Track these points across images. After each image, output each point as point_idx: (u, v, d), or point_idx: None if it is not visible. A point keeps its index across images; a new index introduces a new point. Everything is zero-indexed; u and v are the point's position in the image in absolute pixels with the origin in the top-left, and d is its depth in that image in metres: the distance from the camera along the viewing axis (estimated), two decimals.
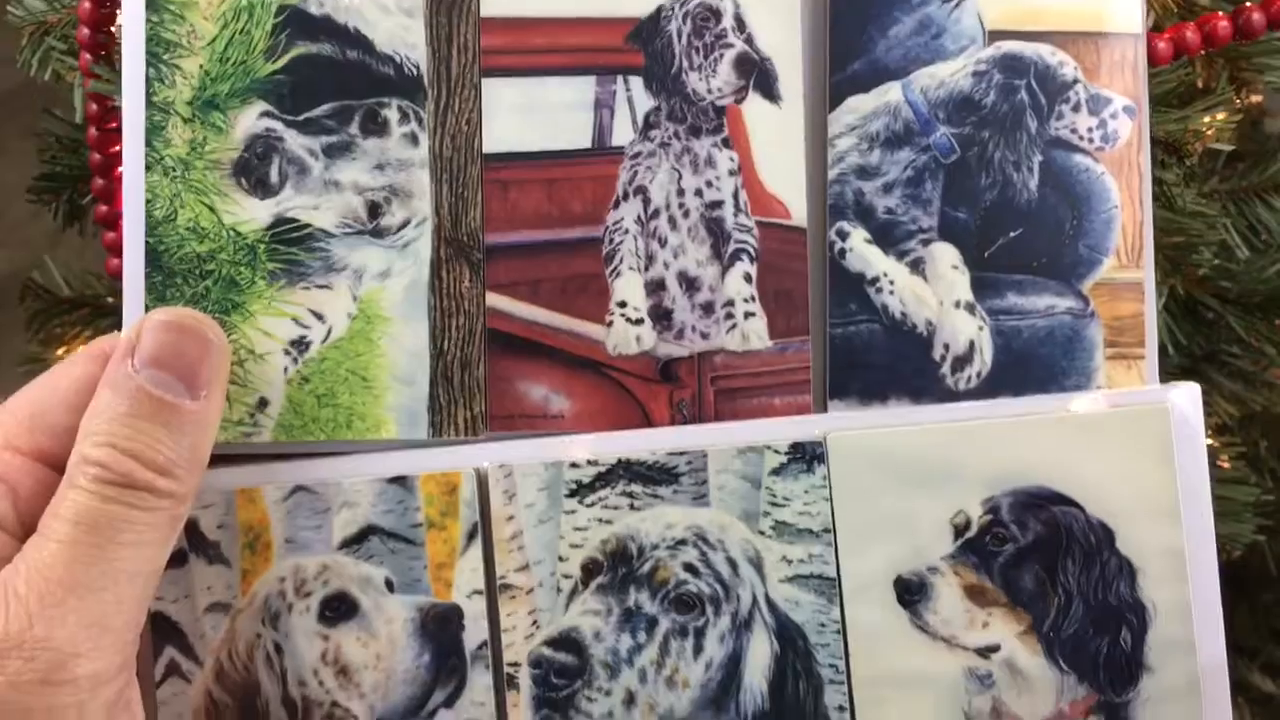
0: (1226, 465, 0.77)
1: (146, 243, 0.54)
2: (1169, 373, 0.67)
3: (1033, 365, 0.56)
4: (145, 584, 0.48)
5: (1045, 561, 0.53)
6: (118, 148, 0.68)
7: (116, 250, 0.68)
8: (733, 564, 0.53)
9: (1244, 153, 0.80)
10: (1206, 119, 0.72)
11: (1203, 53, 0.68)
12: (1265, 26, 0.64)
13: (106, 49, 0.66)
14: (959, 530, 0.53)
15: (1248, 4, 0.65)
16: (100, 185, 0.69)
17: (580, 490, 0.53)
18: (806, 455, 0.53)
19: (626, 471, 0.53)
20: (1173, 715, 0.53)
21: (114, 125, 0.68)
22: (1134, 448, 0.52)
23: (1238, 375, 0.80)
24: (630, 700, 0.53)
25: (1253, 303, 0.78)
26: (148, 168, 0.54)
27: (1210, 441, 0.78)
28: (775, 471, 0.53)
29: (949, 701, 0.53)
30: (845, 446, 0.53)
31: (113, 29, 0.66)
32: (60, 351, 0.87)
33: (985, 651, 0.53)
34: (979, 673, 0.53)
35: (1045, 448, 0.53)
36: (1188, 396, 0.53)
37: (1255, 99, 0.82)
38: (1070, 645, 0.53)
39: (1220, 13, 0.65)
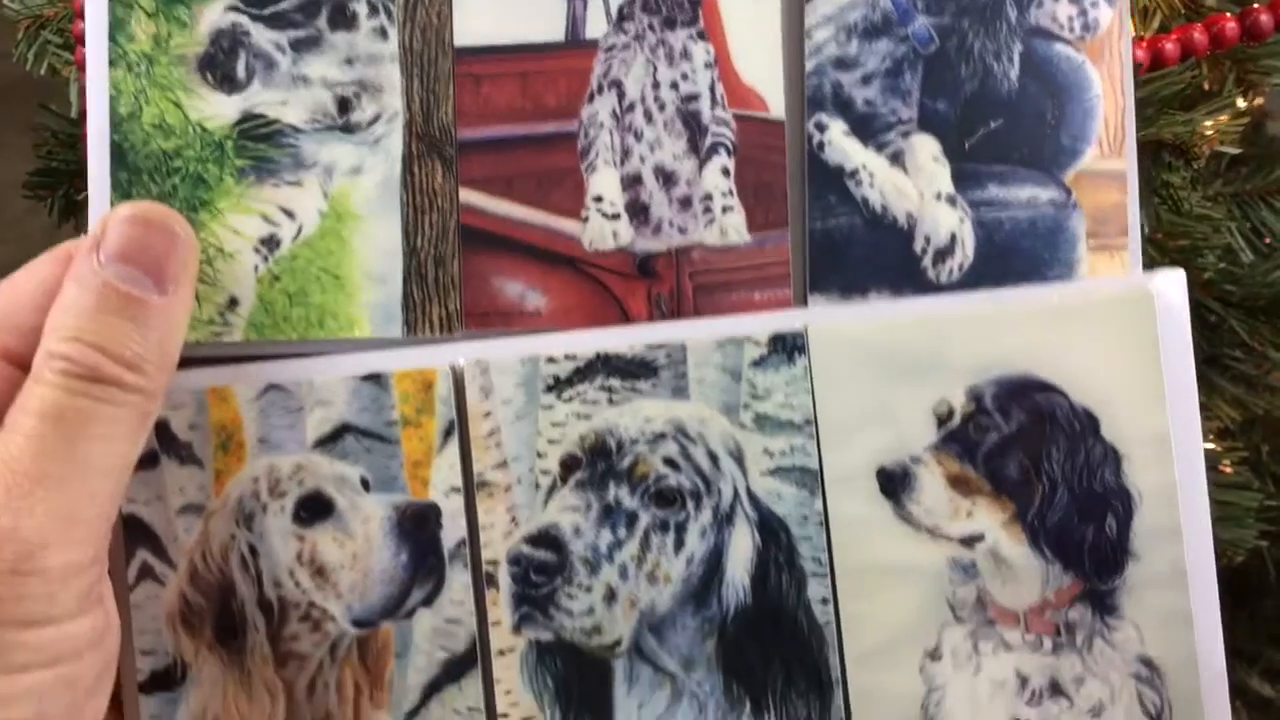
0: (1228, 470, 0.77)
1: (111, 140, 0.52)
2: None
3: (1015, 257, 0.55)
4: (115, 479, 0.47)
5: (1029, 449, 0.52)
6: None
7: None
8: (713, 457, 0.53)
9: (1249, 156, 0.79)
10: (1212, 121, 0.71)
11: (1210, 54, 0.67)
12: (1273, 29, 0.64)
13: None
14: (942, 420, 0.52)
15: (1255, 6, 0.64)
16: None
17: (558, 385, 0.52)
18: (787, 347, 0.52)
19: (604, 366, 0.52)
20: (1159, 602, 0.52)
21: None
22: (1118, 334, 0.52)
23: (1240, 379, 0.79)
24: (611, 596, 0.52)
25: (1256, 306, 0.77)
26: (111, 64, 0.52)
27: (1212, 446, 0.78)
28: (755, 364, 0.52)
29: (933, 592, 0.52)
30: (826, 337, 0.52)
31: None
32: None
33: (969, 541, 0.52)
34: (963, 563, 0.53)
35: (1028, 336, 0.52)
36: (1172, 283, 0.53)
37: (1260, 102, 0.82)
38: (1055, 533, 0.52)
39: (1227, 14, 0.64)
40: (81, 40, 0.62)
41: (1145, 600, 0.52)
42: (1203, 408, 0.77)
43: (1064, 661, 0.52)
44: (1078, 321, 0.52)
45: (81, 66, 0.63)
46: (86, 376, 0.46)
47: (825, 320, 0.53)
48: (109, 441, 0.47)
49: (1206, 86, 0.74)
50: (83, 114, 0.65)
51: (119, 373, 0.47)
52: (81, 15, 0.61)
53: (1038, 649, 0.52)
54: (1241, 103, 0.74)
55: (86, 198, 0.69)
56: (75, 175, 0.78)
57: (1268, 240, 0.77)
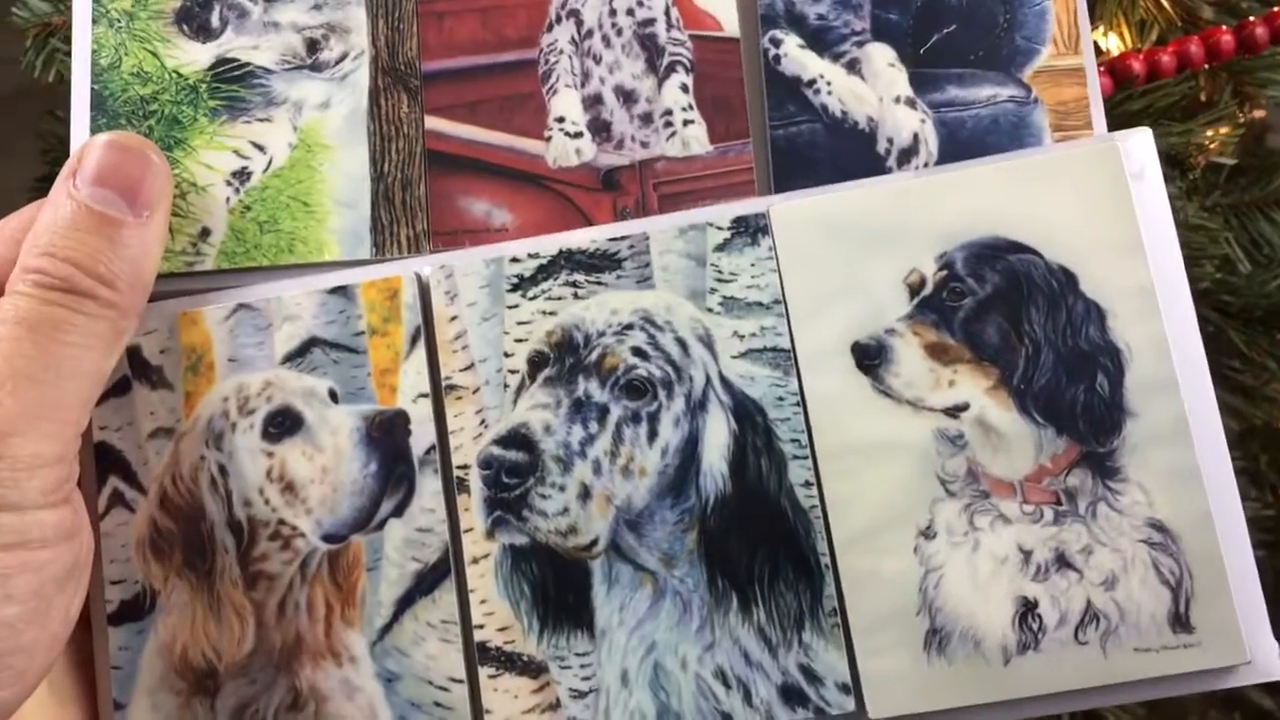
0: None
1: (92, 89, 0.55)
2: None
3: (979, 153, 0.54)
4: (87, 387, 0.47)
5: (1008, 312, 0.50)
6: None
7: None
8: (682, 344, 0.51)
9: (1246, 167, 0.80)
10: (1209, 133, 0.72)
11: (1206, 67, 0.68)
12: (1268, 41, 0.65)
13: None
14: (914, 289, 0.51)
15: (1251, 19, 0.65)
16: None
17: (522, 284, 0.52)
18: (750, 228, 0.52)
19: (568, 261, 0.52)
20: (1164, 460, 0.49)
21: None
22: (1088, 188, 0.50)
23: (1238, 389, 0.77)
24: (585, 494, 0.50)
25: (1254, 317, 0.76)
26: (94, 21, 0.55)
27: None
28: (719, 247, 0.52)
29: (920, 466, 0.49)
30: (789, 215, 0.51)
31: None
32: None
33: (954, 411, 0.50)
34: (949, 434, 0.50)
35: (996, 198, 0.51)
36: (1140, 139, 0.51)
37: (1259, 114, 0.83)
38: (1044, 396, 0.49)
39: (1224, 27, 0.66)
40: None
41: (1149, 459, 0.49)
42: None
43: (1068, 532, 0.49)
44: (1046, 181, 0.50)
45: None
46: (60, 287, 0.47)
47: (788, 201, 0.52)
48: (81, 350, 0.47)
49: (1203, 98, 0.74)
50: None
51: (91, 285, 0.47)
52: None
53: (1038, 520, 0.49)
54: (1241, 115, 0.74)
55: None
56: None
57: (1266, 251, 0.76)
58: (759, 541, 0.50)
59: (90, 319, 0.47)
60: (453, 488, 0.51)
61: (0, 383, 0.45)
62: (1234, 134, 0.73)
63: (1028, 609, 0.48)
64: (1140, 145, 0.51)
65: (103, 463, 0.52)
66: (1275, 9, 0.65)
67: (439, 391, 0.51)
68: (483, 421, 0.51)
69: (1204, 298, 0.75)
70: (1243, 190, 0.77)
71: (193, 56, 0.55)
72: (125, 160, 0.50)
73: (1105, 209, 0.50)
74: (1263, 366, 0.76)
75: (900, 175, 0.53)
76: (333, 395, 0.52)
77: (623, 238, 0.52)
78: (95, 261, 0.48)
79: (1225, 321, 0.76)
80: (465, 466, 0.51)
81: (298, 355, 0.52)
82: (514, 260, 0.52)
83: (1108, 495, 0.49)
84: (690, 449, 0.50)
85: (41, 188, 0.82)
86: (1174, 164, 0.72)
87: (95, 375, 0.48)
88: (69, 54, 0.70)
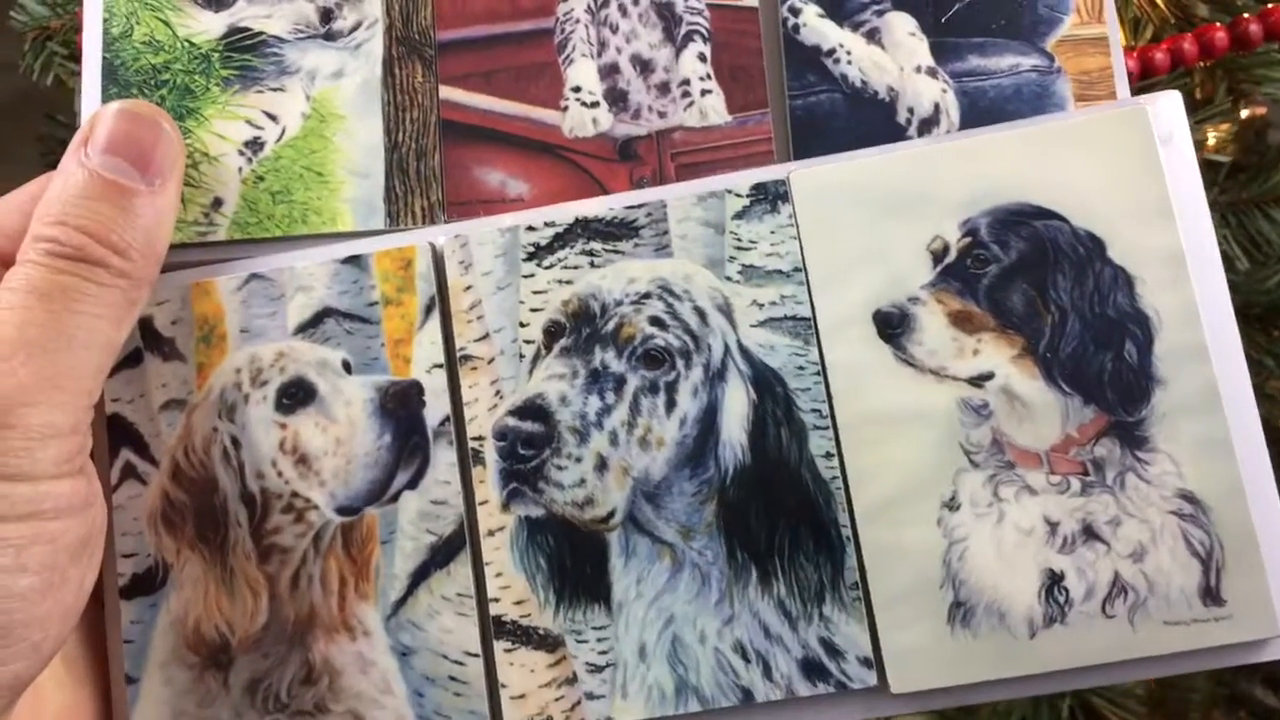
0: None
1: (103, 58, 0.54)
2: None
3: (1002, 122, 0.54)
4: (99, 356, 0.47)
5: (1033, 279, 0.49)
6: None
7: None
8: (701, 313, 0.50)
9: (1245, 164, 0.79)
10: (1206, 129, 0.72)
11: (1201, 64, 0.68)
12: (1263, 38, 0.64)
13: None
14: (937, 256, 0.50)
15: (1245, 16, 0.65)
16: None
17: (538, 253, 0.51)
18: (770, 195, 0.51)
19: (584, 230, 0.51)
20: (1194, 430, 0.48)
21: None
22: (1115, 152, 0.49)
23: None
24: (602, 465, 0.49)
25: (1253, 314, 0.76)
26: None
27: None
28: (739, 215, 0.51)
29: (944, 436, 0.49)
30: (810, 182, 0.51)
31: None
32: None
33: (978, 380, 0.49)
34: (974, 403, 0.49)
35: (1021, 163, 0.50)
36: (1170, 102, 0.50)
37: (1259, 111, 0.82)
38: (1071, 365, 0.49)
39: (1218, 24, 0.65)
40: None
41: (1179, 429, 0.48)
42: None
43: (1096, 503, 0.48)
44: (1073, 146, 0.50)
45: None
46: (72, 256, 0.46)
47: (809, 168, 0.51)
48: (93, 319, 0.46)
49: (1198, 96, 0.74)
50: None
51: (104, 254, 0.47)
52: None
53: (1065, 491, 0.48)
54: (1245, 112, 0.74)
55: None
56: None
57: (1264, 248, 0.75)
58: (779, 513, 0.49)
59: (103, 288, 0.47)
60: (468, 459, 0.50)
61: (12, 352, 0.44)
62: (1230, 131, 0.72)
63: (1054, 581, 0.48)
64: (1169, 108, 0.51)
65: (115, 435, 0.51)
66: (1269, 5, 0.64)
67: (453, 362, 0.51)
68: (498, 392, 0.51)
69: None
70: (1241, 188, 0.76)
71: (205, 25, 0.55)
72: (137, 128, 0.49)
73: (1133, 173, 0.49)
74: (1261, 364, 0.75)
75: (922, 141, 0.53)
76: (346, 366, 0.51)
77: (640, 205, 0.51)
78: (108, 230, 0.47)
79: None
80: (480, 438, 0.50)
81: (311, 325, 0.51)
82: (529, 229, 0.51)
83: (1136, 465, 0.48)
84: (709, 419, 0.50)
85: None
86: None
87: (108, 345, 0.47)
88: (67, 58, 0.70)
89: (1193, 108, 0.73)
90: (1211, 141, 0.74)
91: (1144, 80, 0.65)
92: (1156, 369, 0.48)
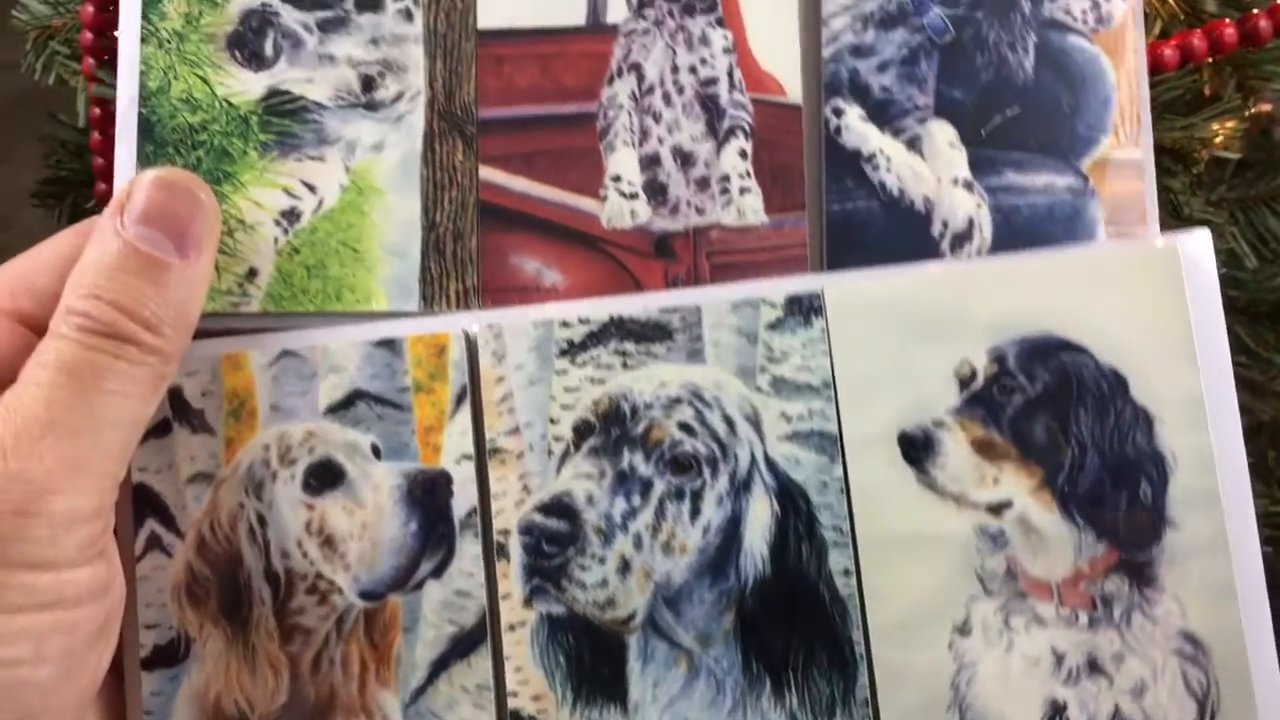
0: None
1: (139, 114, 0.54)
2: None
3: (1033, 242, 0.54)
4: (127, 435, 0.47)
5: (1056, 412, 0.51)
6: None
7: None
8: (729, 422, 0.52)
9: (1252, 161, 0.80)
10: (1214, 126, 0.72)
11: (1209, 60, 0.68)
12: (1272, 34, 0.64)
13: (110, 53, 0.67)
14: (964, 382, 0.51)
15: (1255, 11, 0.65)
16: (104, 190, 0.70)
17: (571, 349, 0.52)
18: (804, 308, 0.52)
19: (619, 329, 0.52)
20: (1200, 573, 0.50)
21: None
22: (1144, 291, 0.51)
23: (1245, 385, 0.78)
24: (625, 567, 0.51)
25: (1260, 311, 0.76)
26: (143, 40, 0.54)
27: None
28: (772, 326, 0.52)
29: (960, 562, 0.50)
30: (844, 298, 0.52)
31: (115, 33, 0.67)
32: None
33: (996, 508, 0.51)
34: (991, 531, 0.51)
35: (1051, 294, 0.51)
36: (1199, 242, 0.52)
37: (1265, 107, 0.83)
38: (1087, 500, 0.50)
39: (1227, 20, 0.65)
40: (89, 50, 0.64)
41: (1186, 570, 0.50)
42: None
43: (1102, 637, 0.50)
44: (1102, 280, 0.51)
45: (90, 76, 0.66)
46: (103, 332, 0.46)
47: (842, 282, 0.52)
48: (122, 398, 0.46)
49: (1207, 92, 0.74)
50: (91, 123, 0.68)
51: (136, 331, 0.47)
52: (88, 26, 0.63)
53: (1073, 624, 0.50)
54: (1247, 109, 0.75)
55: (95, 206, 0.71)
56: (84, 184, 0.78)
57: (1272, 245, 0.77)
58: (796, 626, 0.50)
59: (133, 366, 0.47)
60: (492, 552, 0.51)
61: (41, 434, 0.44)
62: (1239, 128, 0.73)
63: (1057, 712, 0.50)
64: (1197, 246, 0.52)
65: (141, 504, 0.52)
66: (1279, 1, 0.66)
67: (483, 454, 0.52)
68: (525, 487, 0.52)
69: None
70: (1249, 185, 0.77)
71: (244, 85, 0.54)
72: (174, 199, 0.49)
73: (1160, 313, 0.51)
74: (1269, 361, 0.76)
75: (956, 261, 0.54)
76: (375, 451, 0.52)
77: (675, 309, 0.52)
78: (140, 305, 0.47)
79: (1232, 316, 0.76)
80: (506, 532, 0.51)
81: (342, 407, 0.52)
82: (564, 325, 0.52)
83: (1143, 603, 0.50)
84: (732, 529, 0.51)
85: (43, 192, 0.81)
86: (1178, 159, 0.72)
87: (135, 423, 0.48)
88: (69, 57, 0.69)
89: (1201, 104, 0.74)
90: (1219, 139, 0.74)
91: (1152, 76, 0.66)
92: (1169, 510, 0.50)
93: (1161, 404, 0.50)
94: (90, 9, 0.65)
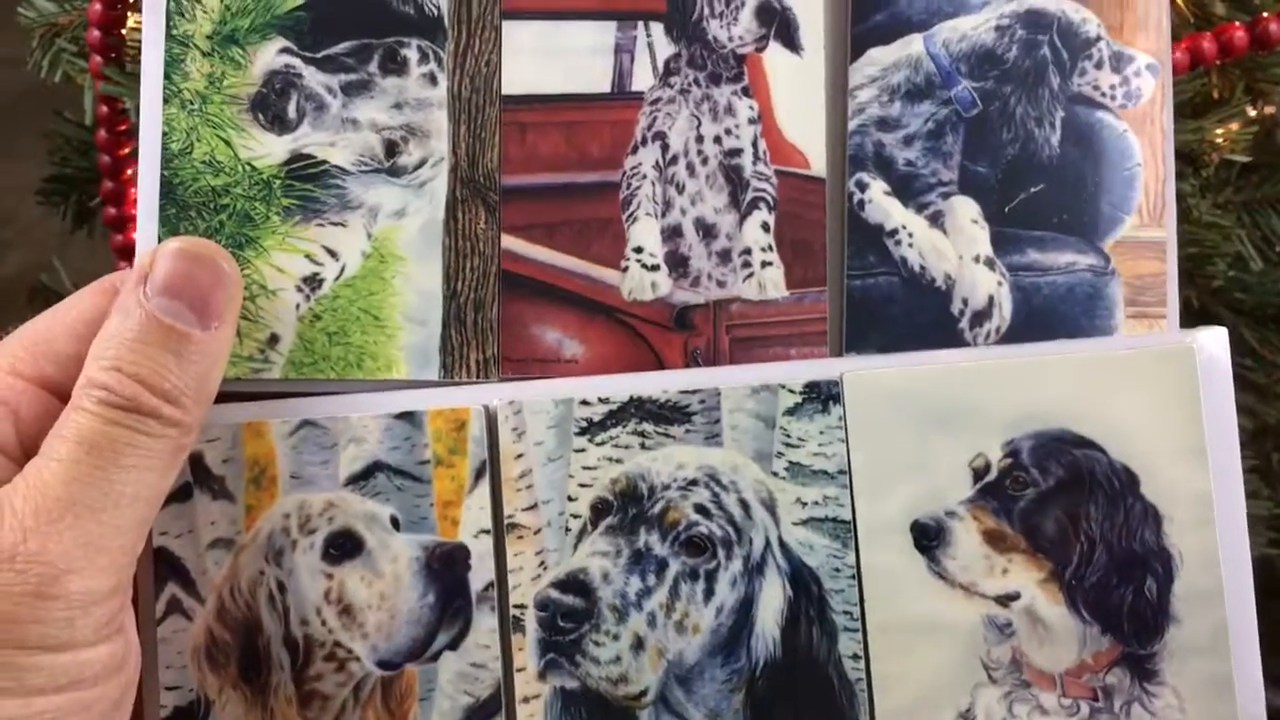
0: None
1: (162, 175, 0.54)
2: None
3: (1052, 322, 0.55)
4: (145, 509, 0.47)
5: (1067, 507, 0.52)
6: (127, 150, 0.69)
7: (125, 253, 0.68)
8: (745, 506, 0.53)
9: (1259, 164, 0.81)
10: (1222, 130, 0.73)
11: (1219, 63, 0.69)
12: None
13: (117, 51, 0.66)
14: (978, 473, 0.52)
15: (1264, 15, 0.65)
16: (109, 188, 0.70)
17: (591, 428, 0.53)
18: (822, 395, 0.53)
19: (638, 410, 0.53)
20: (1200, 668, 0.51)
21: (123, 128, 0.69)
22: (1159, 390, 0.52)
23: (1250, 388, 0.79)
24: (638, 645, 0.52)
25: (1266, 314, 0.77)
26: (165, 101, 0.54)
27: None
28: (790, 411, 0.53)
29: (966, 650, 0.52)
30: (862, 386, 0.53)
31: (123, 31, 0.66)
32: None
33: (1005, 599, 0.52)
34: (998, 621, 0.52)
35: (1067, 390, 0.52)
36: (1215, 339, 0.53)
37: (1270, 110, 0.84)
38: (1093, 594, 0.52)
39: (1237, 23, 0.66)
40: (96, 48, 0.65)
41: (1186, 665, 0.51)
42: None
43: None
44: (1118, 376, 0.52)
45: (97, 74, 0.66)
46: (124, 406, 0.47)
47: (861, 369, 0.53)
48: (142, 472, 0.47)
49: (1216, 95, 0.75)
50: (98, 120, 0.68)
51: (156, 404, 0.47)
52: (96, 23, 0.64)
53: (1074, 714, 0.52)
54: (1251, 111, 0.76)
55: (99, 204, 0.71)
56: (88, 182, 0.79)
57: (1278, 249, 0.78)
58: (804, 709, 0.52)
59: (153, 439, 0.47)
60: (508, 626, 0.53)
61: (60, 512, 0.45)
62: (1247, 131, 0.74)
63: None
64: (1213, 342, 0.53)
65: (162, 568, 0.53)
66: None
67: (500, 529, 0.53)
68: (542, 563, 0.53)
69: (1216, 295, 0.77)
70: (1255, 187, 0.77)
71: (267, 149, 0.55)
72: (197, 270, 0.50)
73: (1174, 412, 0.52)
74: (1274, 364, 0.78)
75: (975, 352, 0.54)
76: (394, 522, 0.53)
77: (694, 391, 0.53)
78: (161, 378, 0.48)
79: (1237, 319, 0.77)
80: (522, 606, 0.53)
81: (362, 478, 0.53)
82: (584, 403, 0.53)
83: (1143, 696, 0.52)
84: (745, 610, 0.53)
85: (48, 189, 0.82)
86: (1187, 161, 0.73)
87: (154, 497, 0.48)
88: (76, 55, 0.69)
89: (1209, 107, 0.74)
90: (1225, 141, 0.75)
91: None
92: (1173, 607, 0.52)
93: (1171, 503, 0.52)
94: (98, 7, 0.65)
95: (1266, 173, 0.78)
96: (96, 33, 0.66)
